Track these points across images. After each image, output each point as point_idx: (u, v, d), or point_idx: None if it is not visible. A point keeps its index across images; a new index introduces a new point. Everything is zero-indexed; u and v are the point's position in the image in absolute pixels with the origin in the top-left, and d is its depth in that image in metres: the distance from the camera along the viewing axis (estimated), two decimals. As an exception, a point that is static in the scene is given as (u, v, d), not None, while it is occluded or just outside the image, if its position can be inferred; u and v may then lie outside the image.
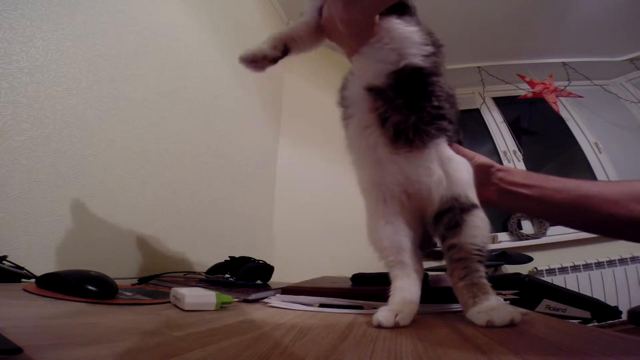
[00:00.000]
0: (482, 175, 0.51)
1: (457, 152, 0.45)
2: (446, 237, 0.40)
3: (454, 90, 0.47)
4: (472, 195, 0.41)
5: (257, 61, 0.47)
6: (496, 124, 2.63)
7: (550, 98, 2.36)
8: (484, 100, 2.69)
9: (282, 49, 0.48)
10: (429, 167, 0.42)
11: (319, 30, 0.49)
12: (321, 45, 0.52)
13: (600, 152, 2.40)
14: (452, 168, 0.42)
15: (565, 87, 2.42)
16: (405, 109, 0.42)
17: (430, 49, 0.43)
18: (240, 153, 1.43)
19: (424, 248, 0.48)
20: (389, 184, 0.44)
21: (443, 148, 0.43)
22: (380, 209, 0.45)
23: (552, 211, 0.51)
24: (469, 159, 0.46)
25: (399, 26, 0.43)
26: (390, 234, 0.43)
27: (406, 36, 0.43)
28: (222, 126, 1.29)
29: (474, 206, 0.40)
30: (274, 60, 0.48)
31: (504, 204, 0.54)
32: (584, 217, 0.48)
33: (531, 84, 2.40)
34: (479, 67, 2.52)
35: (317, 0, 0.48)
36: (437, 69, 0.43)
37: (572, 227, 0.54)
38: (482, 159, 0.53)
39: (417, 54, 0.42)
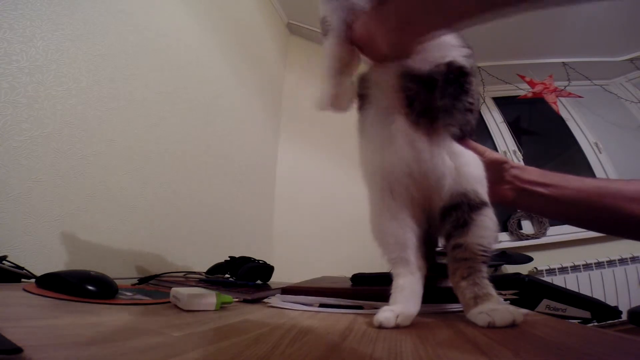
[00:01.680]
0: (495, 172, 0.49)
1: (469, 147, 0.44)
2: (452, 236, 0.39)
3: (479, 93, 0.48)
4: (482, 192, 0.40)
5: (340, 105, 0.47)
6: (496, 124, 2.63)
7: (550, 98, 2.36)
8: (484, 100, 2.69)
9: (345, 77, 0.47)
10: (441, 155, 0.41)
11: (352, 45, 0.46)
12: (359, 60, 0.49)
13: (600, 152, 2.40)
14: (461, 162, 0.41)
15: (565, 87, 2.42)
16: (444, 95, 0.42)
17: (467, 50, 0.44)
18: (240, 153, 1.43)
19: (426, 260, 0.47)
20: (400, 175, 0.42)
21: (455, 145, 0.42)
22: (385, 201, 0.43)
23: (571, 211, 0.49)
24: (480, 154, 0.45)
25: None
26: (395, 229, 0.42)
27: (445, 40, 0.43)
28: (222, 126, 1.29)
29: (483, 204, 0.39)
30: (350, 94, 0.48)
31: (520, 204, 0.52)
32: (604, 216, 0.47)
33: (531, 84, 2.40)
34: (479, 67, 2.51)
35: (345, 14, 0.45)
36: (473, 70, 0.45)
37: (589, 227, 0.52)
38: (495, 154, 0.51)
39: (458, 55, 0.43)
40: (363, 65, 0.48)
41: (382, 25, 0.40)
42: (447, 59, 0.42)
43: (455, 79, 0.42)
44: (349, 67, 0.47)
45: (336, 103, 0.46)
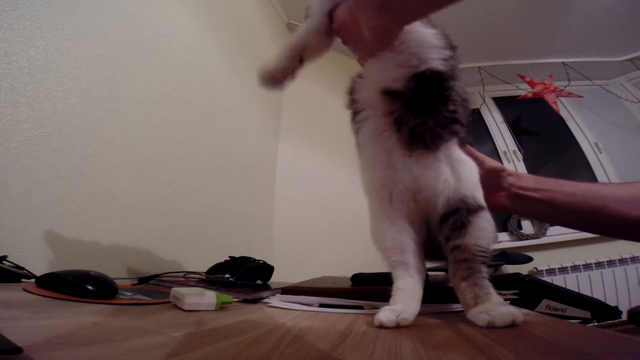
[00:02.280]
0: (493, 180, 0.50)
1: (469, 154, 0.44)
2: (451, 238, 0.40)
3: (467, 93, 0.46)
4: (479, 197, 0.41)
5: (278, 79, 0.46)
6: (496, 124, 2.63)
7: (550, 98, 2.36)
8: (484, 100, 2.69)
9: (299, 59, 0.46)
10: (438, 170, 0.41)
11: (329, 35, 0.47)
12: (330, 50, 0.49)
13: (600, 152, 2.40)
14: (460, 169, 0.42)
15: (565, 87, 2.42)
16: (424, 113, 0.41)
17: (448, 52, 0.42)
18: (240, 153, 1.43)
19: (433, 255, 0.47)
20: (398, 190, 0.43)
21: (453, 150, 0.43)
22: (385, 210, 0.44)
23: (565, 215, 0.50)
24: (480, 162, 0.45)
25: (419, 28, 0.42)
26: (394, 234, 0.43)
27: (426, 39, 0.42)
28: (222, 126, 1.29)
29: (480, 207, 0.40)
30: (293, 74, 0.46)
31: (516, 209, 0.53)
32: (598, 219, 0.47)
33: (531, 84, 2.40)
34: (479, 67, 2.51)
35: (326, 3, 0.45)
36: (454, 73, 0.43)
37: (585, 230, 0.53)
38: (493, 163, 0.52)
39: (437, 58, 0.41)
40: (356, 70, 0.49)
41: (364, 5, 0.40)
42: (423, 67, 0.41)
43: (432, 90, 0.41)
44: (311, 54, 0.47)
45: (275, 78, 0.46)
